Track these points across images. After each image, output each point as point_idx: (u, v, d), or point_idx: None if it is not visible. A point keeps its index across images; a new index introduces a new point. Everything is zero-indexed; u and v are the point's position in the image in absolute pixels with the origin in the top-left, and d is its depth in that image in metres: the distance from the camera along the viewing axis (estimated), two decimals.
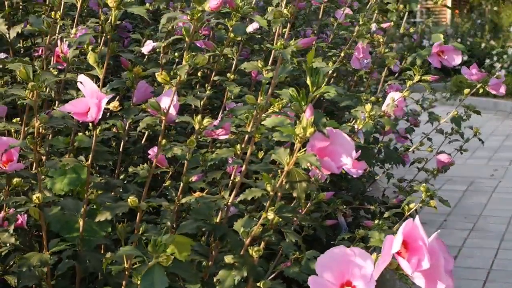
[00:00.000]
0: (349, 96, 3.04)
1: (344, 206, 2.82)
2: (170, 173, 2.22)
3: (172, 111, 1.72)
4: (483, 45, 12.79)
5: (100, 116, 1.53)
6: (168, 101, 1.73)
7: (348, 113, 3.06)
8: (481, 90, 3.15)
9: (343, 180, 3.24)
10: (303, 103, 1.55)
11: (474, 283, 3.70)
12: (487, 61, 11.99)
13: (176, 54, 2.54)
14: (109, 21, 1.56)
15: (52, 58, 2.12)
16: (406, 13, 3.32)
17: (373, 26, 3.11)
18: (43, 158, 1.89)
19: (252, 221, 1.64)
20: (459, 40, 13.46)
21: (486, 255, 4.14)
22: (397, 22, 2.95)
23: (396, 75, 3.73)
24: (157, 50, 2.44)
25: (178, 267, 1.28)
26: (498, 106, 9.73)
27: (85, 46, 1.94)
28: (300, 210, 2.21)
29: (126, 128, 1.98)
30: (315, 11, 3.60)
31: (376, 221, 2.28)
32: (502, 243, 4.35)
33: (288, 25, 1.88)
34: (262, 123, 1.69)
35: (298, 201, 1.50)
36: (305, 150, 1.51)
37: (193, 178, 2.02)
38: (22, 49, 2.76)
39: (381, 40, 3.06)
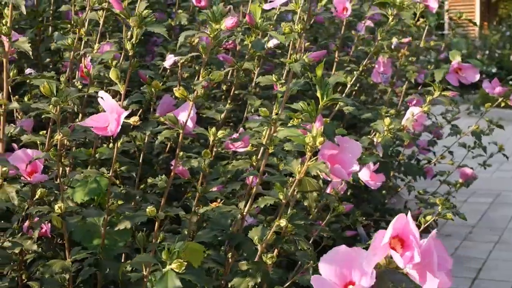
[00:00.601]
0: (369, 110, 3.09)
1: (364, 218, 2.85)
2: (192, 184, 2.29)
3: (190, 124, 1.78)
4: (511, 57, 12.71)
5: (118, 130, 1.60)
6: (185, 115, 1.80)
7: (369, 126, 3.10)
8: (502, 104, 3.17)
9: (364, 192, 3.28)
10: (313, 114, 1.61)
11: None
12: None
13: (196, 68, 2.60)
14: (131, 39, 1.63)
15: (77, 73, 2.20)
16: (426, 27, 3.35)
17: (394, 41, 3.15)
18: (68, 169, 1.96)
19: (267, 230, 1.69)
20: (487, 52, 13.40)
21: (511, 267, 4.12)
22: (417, 36, 2.98)
23: (420, 87, 3.75)
24: (178, 64, 2.50)
25: (191, 273, 1.34)
26: None
27: (109, 61, 2.01)
28: (319, 222, 2.26)
29: (146, 140, 2.05)
30: (338, 24, 3.64)
31: None
32: None
33: (299, 39, 1.93)
34: (276, 135, 1.75)
35: (309, 210, 1.55)
36: (316, 159, 1.57)
37: (214, 189, 2.08)
38: (51, 64, 2.86)
39: (404, 53, 3.10)
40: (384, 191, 3.49)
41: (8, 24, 1.60)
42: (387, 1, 2.50)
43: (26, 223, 1.81)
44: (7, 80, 1.61)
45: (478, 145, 3.50)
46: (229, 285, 1.64)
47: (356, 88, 3.41)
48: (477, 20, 17.51)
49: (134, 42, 1.62)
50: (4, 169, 1.60)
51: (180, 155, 1.70)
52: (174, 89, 1.69)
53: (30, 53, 1.59)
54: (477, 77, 2.84)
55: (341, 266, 1.29)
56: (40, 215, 1.70)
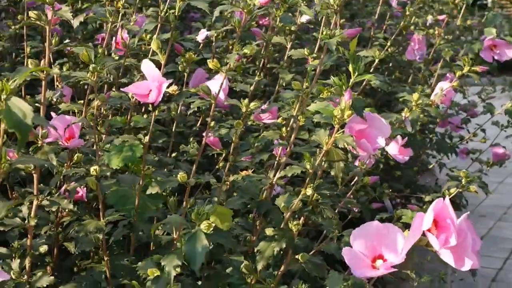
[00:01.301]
0: (404, 87, 3.11)
1: (394, 193, 2.89)
2: (224, 155, 2.35)
3: (222, 95, 1.84)
4: None
5: (160, 99, 1.66)
6: (217, 86, 1.86)
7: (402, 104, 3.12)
8: None
9: (396, 169, 3.31)
10: (344, 88, 1.65)
11: None
12: None
13: (230, 42, 2.65)
14: (173, 11, 1.69)
15: (113, 44, 2.27)
16: (464, 6, 3.34)
17: (430, 19, 3.16)
18: (103, 137, 2.03)
19: (293, 197, 1.75)
20: None
21: None
22: (453, 14, 2.99)
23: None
24: (211, 38, 2.56)
25: (219, 235, 1.40)
26: None
27: (144, 34, 2.07)
28: (347, 194, 2.31)
29: (179, 111, 2.11)
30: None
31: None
32: None
33: (335, 15, 1.96)
34: (307, 108, 1.79)
35: (336, 180, 1.59)
36: (343, 132, 1.61)
37: (243, 159, 2.14)
38: (84, 37, 2.93)
39: (440, 31, 3.10)
40: (415, 168, 3.51)
41: None
42: None
43: (64, 187, 1.90)
44: (49, 47, 1.68)
45: (511, 124, 3.49)
46: (255, 250, 1.70)
47: (390, 65, 3.42)
48: None
49: (177, 14, 1.68)
50: (43, 131, 1.67)
51: (212, 124, 1.75)
52: (208, 61, 1.74)
53: (72, 21, 1.66)
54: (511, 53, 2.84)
55: (372, 240, 1.34)
56: (77, 179, 1.77)
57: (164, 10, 1.84)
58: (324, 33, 1.88)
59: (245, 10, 1.70)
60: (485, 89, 4.22)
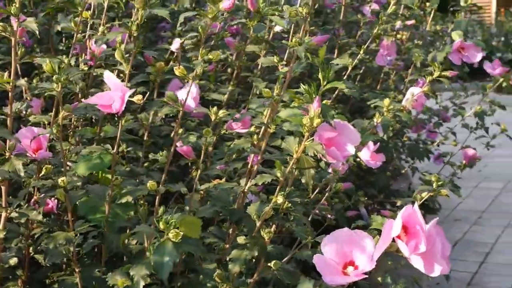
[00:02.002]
0: (375, 93, 3.13)
1: (367, 199, 2.90)
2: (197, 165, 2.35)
3: (191, 103, 1.84)
4: None
5: (123, 108, 1.65)
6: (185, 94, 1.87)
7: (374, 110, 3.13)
8: (504, 84, 3.21)
9: (369, 175, 3.32)
10: (313, 96, 1.66)
11: (505, 279, 3.71)
12: None
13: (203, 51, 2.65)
14: (135, 21, 1.69)
15: (84, 54, 2.26)
16: (432, 11, 3.38)
17: (398, 24, 3.18)
18: (71, 147, 2.02)
19: (264, 205, 1.75)
20: (502, 38, 13.32)
21: None
22: (420, 19, 3.01)
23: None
24: (186, 47, 2.56)
25: (188, 244, 1.39)
26: None
27: (118, 44, 2.07)
28: (324, 202, 2.31)
29: (151, 120, 2.10)
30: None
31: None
32: None
33: (304, 23, 1.97)
34: (278, 114, 1.80)
35: (307, 187, 1.60)
36: (312, 139, 1.62)
37: (217, 168, 2.14)
38: (63, 48, 2.92)
39: (405, 36, 3.13)
40: (388, 173, 3.53)
41: (17, 5, 1.66)
42: None
43: (33, 199, 1.88)
44: (15, 59, 1.67)
45: (480, 125, 3.53)
46: (228, 258, 1.70)
47: (361, 71, 3.44)
48: (494, 6, 17.40)
49: (138, 23, 1.68)
50: (10, 143, 1.66)
51: (180, 131, 1.75)
52: (174, 67, 1.74)
53: (37, 32, 1.66)
54: (480, 56, 2.88)
55: (343, 247, 1.36)
56: (46, 190, 1.76)
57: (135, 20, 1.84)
58: (293, 40, 1.89)
59: (209, 16, 1.70)
60: (458, 95, 4.26)
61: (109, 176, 1.85)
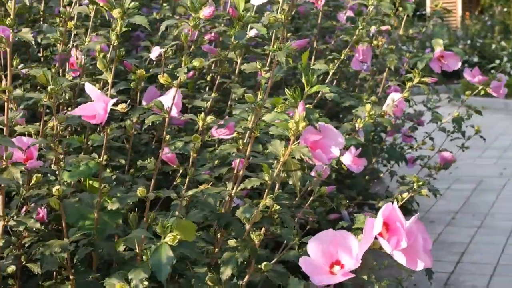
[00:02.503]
0: (351, 97, 3.18)
1: (347, 201, 2.95)
2: (181, 171, 2.38)
3: (174, 110, 1.87)
4: (493, 46, 12.84)
5: (106, 118, 1.69)
6: (170, 101, 1.90)
7: (351, 114, 3.19)
8: (482, 92, 3.30)
9: (348, 178, 3.37)
10: (297, 100, 1.70)
11: (481, 278, 3.79)
12: (497, 61, 12.07)
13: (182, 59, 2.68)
14: (115, 30, 1.72)
15: (67, 65, 2.28)
16: (405, 16, 3.45)
17: (373, 29, 3.24)
18: (61, 156, 2.04)
19: (253, 208, 1.79)
20: (468, 42, 13.52)
21: (493, 250, 4.24)
22: (394, 25, 3.08)
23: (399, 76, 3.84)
24: (165, 55, 2.58)
25: (184, 247, 1.43)
26: (509, 106, 9.82)
27: (97, 53, 2.09)
28: (304, 206, 2.35)
29: (133, 129, 2.13)
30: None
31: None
32: (509, 239, 4.45)
33: (282, 28, 2.01)
34: (263, 118, 1.84)
35: (294, 189, 1.64)
36: (298, 143, 1.66)
37: (202, 173, 2.17)
38: (42, 58, 2.93)
39: (381, 41, 3.19)
40: (367, 177, 3.59)
41: (12, 16, 1.69)
42: None
43: (24, 208, 1.90)
44: (10, 69, 1.70)
45: (456, 129, 3.61)
46: (219, 261, 1.73)
47: (337, 76, 3.49)
48: (459, 10, 17.64)
49: (118, 33, 1.71)
50: (8, 152, 1.68)
51: (167, 138, 1.78)
52: (158, 75, 1.78)
53: (33, 42, 1.68)
54: (459, 64, 2.96)
55: (328, 248, 1.40)
56: (36, 200, 1.78)
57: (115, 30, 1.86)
58: (273, 45, 1.93)
59: (191, 24, 1.74)
60: (429, 98, 4.34)
61: (95, 184, 1.87)
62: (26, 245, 1.94)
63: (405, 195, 2.17)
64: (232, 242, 1.77)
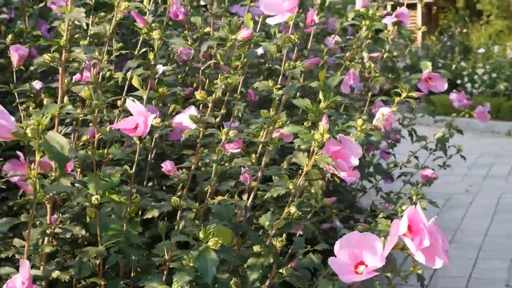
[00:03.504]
0: (340, 114, 3.31)
1: (339, 211, 3.07)
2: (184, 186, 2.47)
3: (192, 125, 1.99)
4: (453, 66, 13.16)
5: (147, 131, 1.79)
6: (186, 117, 2.01)
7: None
8: (467, 116, 3.49)
9: (336, 192, 3.49)
10: (317, 114, 1.83)
11: None
12: (458, 81, 12.37)
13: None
14: (154, 50, 1.83)
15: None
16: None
17: (366, 56, 3.38)
18: (78, 170, 2.12)
19: (275, 216, 1.90)
20: (429, 61, 13.79)
21: (465, 264, 4.39)
22: (388, 50, 3.22)
23: (378, 94, 3.96)
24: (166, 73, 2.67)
25: (224, 251, 1.53)
26: (471, 125, 10.08)
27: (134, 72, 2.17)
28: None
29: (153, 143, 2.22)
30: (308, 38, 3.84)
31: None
32: (480, 253, 4.61)
33: (295, 48, 2.14)
34: (281, 131, 1.96)
35: (315, 197, 1.75)
36: (321, 154, 1.78)
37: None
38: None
39: (373, 67, 3.33)
40: (354, 192, 3.72)
41: (65, 38, 1.79)
42: (361, 13, 2.71)
43: (54, 217, 1.97)
44: (61, 86, 1.79)
45: (439, 148, 3.77)
46: (245, 265, 1.83)
47: None
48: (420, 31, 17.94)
49: (155, 53, 1.82)
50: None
51: (200, 150, 1.89)
52: (195, 92, 1.89)
53: (86, 61, 1.78)
54: (445, 86, 3.12)
55: (353, 249, 1.51)
56: (66, 209, 1.86)
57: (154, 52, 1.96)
58: (287, 64, 2.05)
59: (227, 45, 1.85)
60: (406, 117, 4.47)
61: (114, 196, 1.95)
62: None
63: (405, 208, 2.28)
64: (256, 248, 1.87)
